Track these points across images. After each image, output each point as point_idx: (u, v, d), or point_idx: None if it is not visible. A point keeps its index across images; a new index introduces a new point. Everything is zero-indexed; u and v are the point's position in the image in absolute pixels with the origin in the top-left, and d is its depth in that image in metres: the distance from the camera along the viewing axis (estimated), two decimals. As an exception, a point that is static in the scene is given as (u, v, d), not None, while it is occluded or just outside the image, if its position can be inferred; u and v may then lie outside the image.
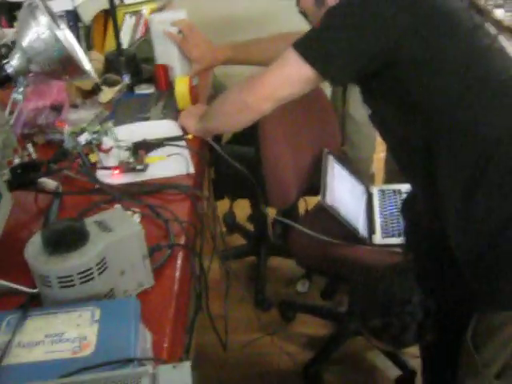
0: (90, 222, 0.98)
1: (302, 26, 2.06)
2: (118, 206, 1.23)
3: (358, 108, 2.34)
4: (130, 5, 2.43)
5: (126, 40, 2.53)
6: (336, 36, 1.17)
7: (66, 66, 1.21)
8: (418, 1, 1.14)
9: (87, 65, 1.38)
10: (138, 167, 1.42)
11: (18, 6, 1.75)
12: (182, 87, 1.76)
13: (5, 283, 1.03)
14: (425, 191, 1.32)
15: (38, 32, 1.15)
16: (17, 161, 1.29)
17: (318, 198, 1.93)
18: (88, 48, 2.62)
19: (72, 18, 2.55)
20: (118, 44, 2.01)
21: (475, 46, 1.16)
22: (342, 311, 2.31)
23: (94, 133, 1.45)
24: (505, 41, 1.20)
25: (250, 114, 1.38)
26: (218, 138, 2.43)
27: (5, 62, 1.29)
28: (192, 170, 1.43)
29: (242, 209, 2.71)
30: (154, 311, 0.98)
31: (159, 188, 1.33)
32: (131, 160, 1.44)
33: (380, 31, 1.13)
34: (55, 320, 0.87)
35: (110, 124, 1.52)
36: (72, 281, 0.91)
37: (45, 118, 1.60)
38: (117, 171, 1.42)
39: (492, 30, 1.21)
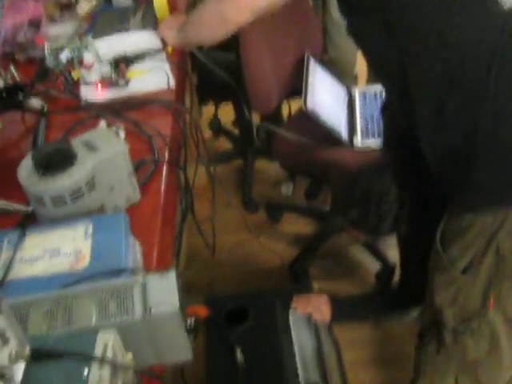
0: (76, 143, 1.03)
1: None
2: (102, 124, 1.27)
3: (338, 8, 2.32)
4: None
5: None
6: None
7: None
8: None
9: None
10: (120, 82, 1.45)
11: None
12: (159, -4, 1.75)
13: (2, 202, 1.10)
14: (399, 97, 1.35)
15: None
16: (0, 83, 1.32)
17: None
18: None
19: None
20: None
21: None
22: (326, 210, 2.41)
23: (75, 49, 1.47)
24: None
25: (229, 25, 1.38)
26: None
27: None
28: (173, 83, 1.46)
29: (227, 113, 2.74)
30: (142, 224, 1.06)
31: (142, 103, 1.37)
32: (113, 75, 1.47)
33: None
34: (52, 236, 0.94)
35: (89, 38, 1.53)
36: (64, 200, 0.97)
37: (24, 35, 1.60)
38: (99, 87, 1.45)
39: None
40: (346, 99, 2.23)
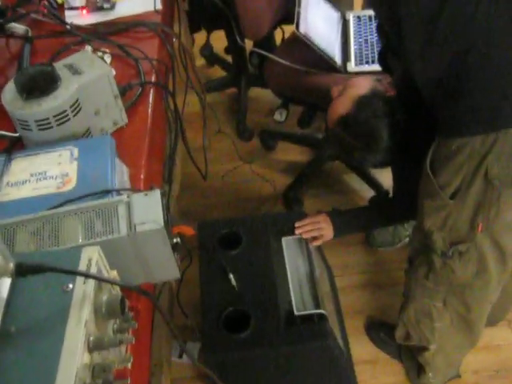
0: (60, 66, 1.02)
1: None
2: (86, 48, 1.25)
3: None
4: None
5: None
6: None
7: None
8: None
9: None
10: (106, 5, 1.42)
11: None
12: None
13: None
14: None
15: None
16: (-20, 7, 1.29)
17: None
18: None
19: None
20: None
21: None
22: (320, 137, 2.40)
23: (57, -29, 1.42)
24: None
25: None
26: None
27: None
28: (159, 5, 1.42)
29: (220, 40, 2.69)
30: (129, 147, 1.06)
31: (127, 26, 1.34)
32: (98, -2, 1.43)
33: None
34: (38, 160, 0.94)
35: (72, -39, 1.48)
36: (49, 123, 0.97)
37: (5, -43, 1.55)
38: (84, 11, 1.42)
39: None
40: (341, 24, 2.18)
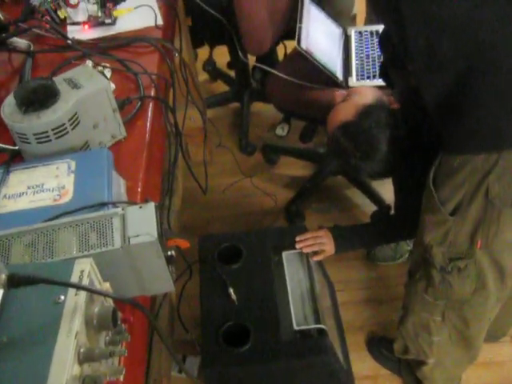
0: (60, 80, 1.03)
1: None
2: (87, 63, 1.26)
3: None
4: None
5: None
6: None
7: None
8: None
9: None
10: (107, 21, 1.43)
11: None
12: None
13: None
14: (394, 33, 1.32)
15: None
16: (-18, 23, 1.30)
17: (296, 42, 1.94)
18: None
19: None
20: None
21: None
22: (321, 152, 2.41)
23: (60, -13, 1.44)
24: None
25: None
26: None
27: None
28: (161, 21, 1.44)
29: (223, 55, 2.71)
30: (127, 160, 1.06)
31: (128, 41, 1.35)
32: (100, 14, 1.45)
33: None
34: (35, 173, 0.95)
35: (75, -23, 1.50)
36: (48, 136, 0.98)
37: (9, -26, 1.57)
38: (86, 26, 1.43)
39: None
40: (342, 40, 2.19)
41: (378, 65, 2.04)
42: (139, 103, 1.17)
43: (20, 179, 0.95)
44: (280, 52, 2.51)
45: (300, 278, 1.64)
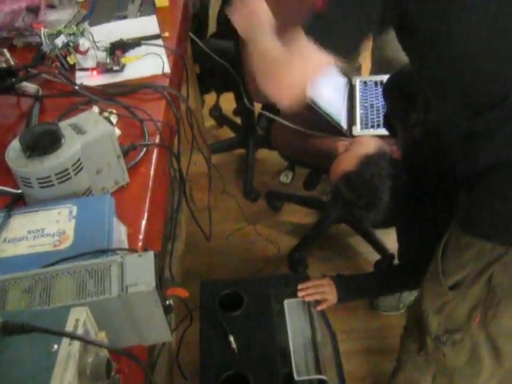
0: (65, 126, 1.04)
1: None
2: (94, 108, 1.28)
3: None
4: None
5: None
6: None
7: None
8: None
9: (57, -34, 1.37)
10: (115, 68, 1.46)
11: None
12: (158, -17, 1.75)
13: (-9, 185, 1.11)
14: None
15: None
16: (-6, 67, 1.33)
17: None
18: None
19: None
20: None
21: None
22: (325, 199, 2.41)
23: (71, 35, 1.47)
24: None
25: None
26: (201, 32, 2.43)
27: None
28: (168, 69, 1.46)
29: (230, 102, 2.75)
30: (129, 206, 1.06)
31: (135, 88, 1.37)
32: (108, 61, 1.47)
33: None
34: (37, 217, 0.95)
35: (86, 25, 1.54)
36: (50, 181, 0.98)
37: (22, 21, 1.61)
38: (94, 72, 1.45)
39: None
40: (347, 89, 2.22)
41: (381, 114, 2.06)
42: (144, 150, 1.18)
43: (21, 223, 0.95)
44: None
45: (302, 326, 1.62)
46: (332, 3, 1.07)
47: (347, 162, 1.56)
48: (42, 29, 1.50)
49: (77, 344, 0.62)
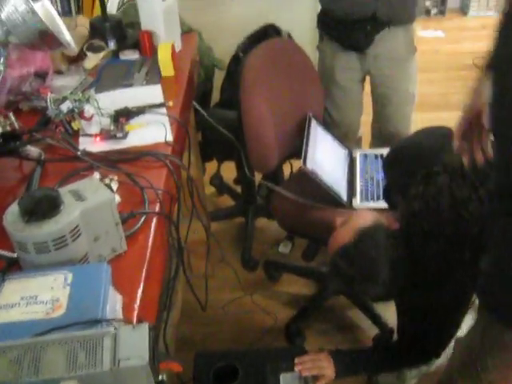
0: (64, 192, 1.04)
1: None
2: (95, 175, 1.28)
3: (343, 74, 2.37)
4: (121, -35, 2.43)
5: (115, 2, 2.54)
6: None
7: (44, 38, 1.24)
8: None
9: (67, 35, 1.41)
10: (118, 135, 1.47)
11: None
12: (165, 54, 1.80)
13: (-13, 248, 1.09)
14: None
15: (15, 5, 1.18)
16: (-1, 130, 1.34)
17: (302, 161, 1.97)
18: (77, 11, 2.64)
19: (62, -21, 2.57)
20: (103, 9, 2.04)
21: None
22: (324, 271, 2.38)
23: (76, 101, 1.49)
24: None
25: None
26: (205, 101, 2.48)
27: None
28: (171, 137, 1.47)
29: (231, 170, 2.77)
30: (125, 275, 1.05)
31: (137, 156, 1.38)
32: (112, 127, 1.49)
33: None
34: (31, 283, 0.93)
35: (91, 92, 1.57)
36: (47, 247, 0.97)
37: (29, 85, 1.64)
38: (98, 139, 1.47)
39: None
40: (348, 161, 2.24)
41: (381, 187, 2.07)
42: (143, 218, 1.18)
43: (14, 289, 0.93)
44: (286, 169, 2.56)
45: (297, 401, 1.57)
46: None
47: (344, 236, 1.55)
48: (49, 94, 1.53)
49: (63, 421, 0.60)
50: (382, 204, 1.94)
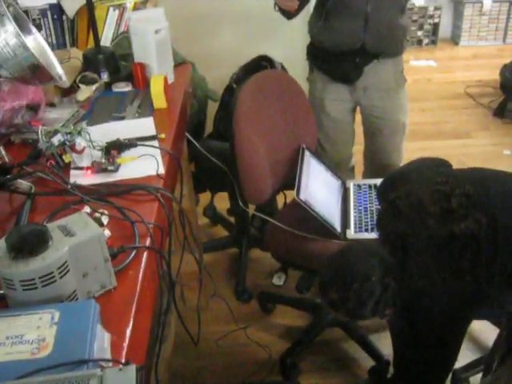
0: (53, 227, 1.02)
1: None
2: (85, 208, 1.27)
3: (333, 105, 2.38)
4: (114, -2, 2.46)
5: (110, 34, 2.56)
6: None
7: (35, 71, 1.24)
8: None
9: (59, 68, 1.41)
10: (110, 168, 1.46)
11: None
12: (157, 86, 1.80)
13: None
14: None
15: (5, 39, 1.18)
16: (-12, 164, 1.33)
17: (296, 192, 1.97)
18: (72, 43, 2.65)
19: (56, 11, 2.59)
20: (97, 41, 2.04)
21: None
22: (318, 302, 2.36)
23: (68, 133, 1.48)
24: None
25: None
26: (198, 132, 2.48)
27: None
28: (162, 170, 1.46)
29: (225, 200, 2.76)
30: (114, 312, 1.03)
31: (128, 189, 1.37)
32: (103, 160, 1.48)
33: None
34: (16, 322, 0.91)
35: (83, 125, 1.55)
36: (34, 284, 0.95)
37: (21, 118, 1.63)
38: (89, 172, 1.46)
39: None
40: (341, 191, 2.24)
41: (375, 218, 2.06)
42: (133, 252, 1.16)
43: (0, 327, 0.91)
44: (280, 200, 2.55)
45: None
46: None
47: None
48: (40, 126, 1.52)
49: None
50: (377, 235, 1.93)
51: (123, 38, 2.28)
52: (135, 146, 1.55)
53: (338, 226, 2.03)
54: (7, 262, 0.95)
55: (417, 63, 4.89)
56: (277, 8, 2.12)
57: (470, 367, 2.03)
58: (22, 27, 1.26)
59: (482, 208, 1.37)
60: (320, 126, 2.38)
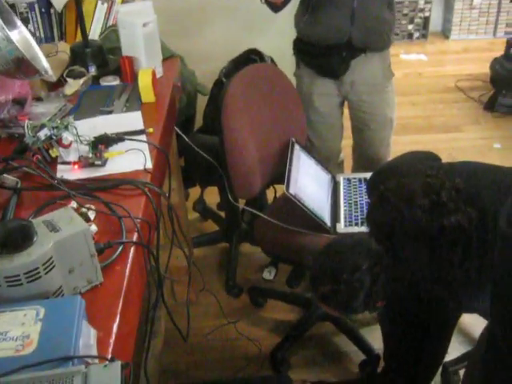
0: (38, 222, 1.01)
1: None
2: (72, 203, 1.25)
3: (321, 100, 2.37)
4: (102, -9, 2.43)
5: (98, 27, 2.53)
6: None
7: (20, 65, 1.23)
8: None
9: (44, 62, 1.39)
10: (97, 162, 1.45)
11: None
12: (145, 80, 1.78)
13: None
14: None
15: (-10, 33, 1.17)
16: (-28, 159, 1.31)
17: (285, 187, 1.96)
18: (60, 36, 2.62)
19: (44, 4, 2.56)
20: (84, 35, 2.02)
21: None
22: (309, 296, 2.36)
23: (54, 128, 1.47)
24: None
25: None
26: (188, 126, 2.47)
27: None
28: (150, 164, 1.45)
29: (215, 195, 2.75)
30: (101, 308, 1.02)
31: (115, 184, 1.36)
32: (90, 155, 1.47)
33: None
34: (1, 319, 0.90)
35: (70, 119, 1.54)
36: (19, 280, 0.94)
37: (7, 112, 1.61)
38: (76, 166, 1.44)
39: None
40: (331, 186, 2.23)
41: (365, 212, 2.05)
42: (120, 247, 1.15)
43: (-16, 325, 0.90)
44: (270, 194, 2.54)
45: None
46: None
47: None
48: (27, 121, 1.50)
49: None
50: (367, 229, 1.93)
51: (111, 32, 2.26)
52: (123, 140, 1.54)
53: (327, 220, 2.02)
54: (-9, 258, 0.94)
55: (407, 57, 4.89)
56: (263, 0, 2.11)
57: (460, 360, 2.03)
58: (7, 20, 1.24)
59: (473, 201, 1.37)
60: (308, 121, 2.37)
